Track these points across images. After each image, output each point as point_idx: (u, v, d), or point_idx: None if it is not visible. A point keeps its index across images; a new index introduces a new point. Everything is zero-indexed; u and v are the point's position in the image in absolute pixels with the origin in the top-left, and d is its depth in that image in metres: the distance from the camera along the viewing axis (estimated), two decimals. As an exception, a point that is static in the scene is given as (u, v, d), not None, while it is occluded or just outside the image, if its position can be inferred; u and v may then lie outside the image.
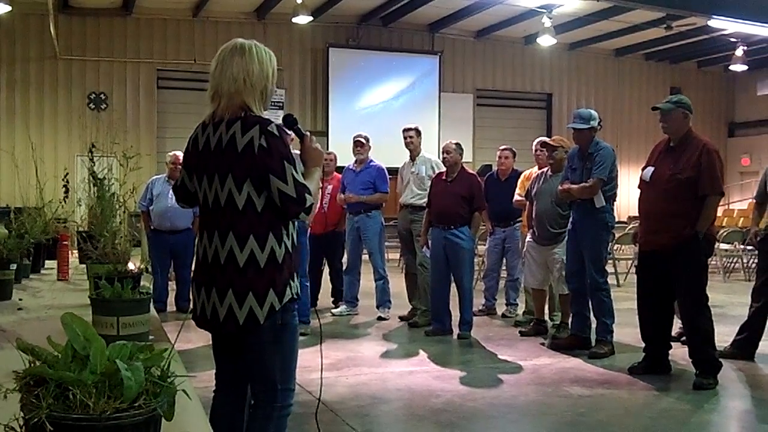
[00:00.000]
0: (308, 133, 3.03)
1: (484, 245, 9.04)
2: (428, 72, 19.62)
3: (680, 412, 5.04)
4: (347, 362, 6.22)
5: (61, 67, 16.75)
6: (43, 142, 16.03)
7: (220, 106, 2.78)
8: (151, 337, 2.90)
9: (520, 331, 7.51)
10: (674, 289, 5.73)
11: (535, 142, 8.18)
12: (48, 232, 5.39)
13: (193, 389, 1.91)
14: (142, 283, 3.14)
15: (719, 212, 14.83)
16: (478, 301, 8.35)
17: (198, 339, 5.94)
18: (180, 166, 8.56)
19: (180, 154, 8.13)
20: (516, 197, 7.99)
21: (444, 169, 7.61)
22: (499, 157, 8.62)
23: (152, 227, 8.16)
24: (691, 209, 5.52)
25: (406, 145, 8.17)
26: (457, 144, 7.48)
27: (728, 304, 9.04)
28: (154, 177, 8.52)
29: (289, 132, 3.09)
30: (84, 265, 4.32)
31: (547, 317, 7.66)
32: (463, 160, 7.61)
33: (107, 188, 3.98)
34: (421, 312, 7.87)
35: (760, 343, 6.52)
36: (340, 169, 8.84)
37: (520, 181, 8.09)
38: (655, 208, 5.67)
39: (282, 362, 2.85)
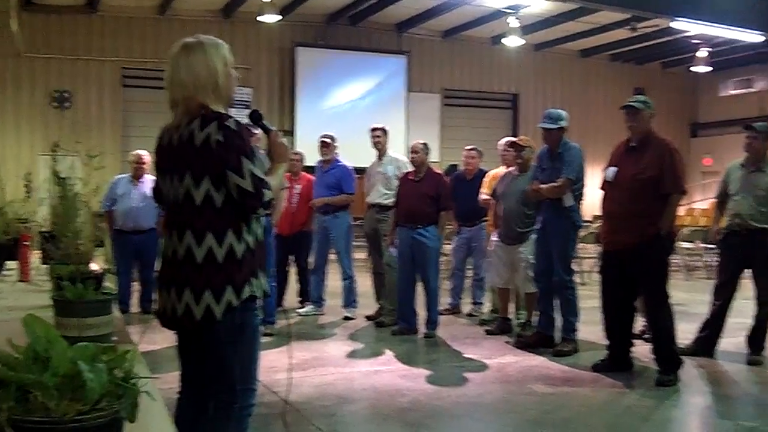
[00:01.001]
0: (274, 129, 3.03)
1: (450, 244, 9.08)
2: (396, 72, 19.64)
3: (643, 408, 5.11)
4: (313, 362, 6.22)
5: (24, 64, 16.48)
6: (5, 141, 15.80)
7: (179, 112, 2.79)
8: (114, 339, 2.88)
9: (485, 330, 7.56)
10: (637, 287, 5.82)
11: (502, 142, 8.25)
12: (9, 232, 5.31)
13: (157, 390, 1.91)
14: (105, 283, 3.11)
15: (681, 211, 15.01)
16: (444, 300, 8.39)
17: (162, 340, 5.89)
18: (143, 165, 8.47)
19: (143, 153, 8.09)
20: (482, 196, 8.04)
21: (411, 168, 7.64)
22: (466, 157, 8.65)
23: (116, 227, 8.07)
24: (654, 208, 5.60)
25: (374, 144, 8.18)
26: (425, 144, 7.52)
27: (690, 302, 9.16)
28: (118, 176, 8.42)
29: (256, 130, 3.09)
30: (46, 266, 4.27)
31: (512, 315, 7.71)
32: (430, 159, 7.65)
33: (70, 188, 3.93)
34: (387, 311, 7.89)
35: (721, 341, 6.64)
36: (307, 169, 8.82)
37: (486, 180, 8.13)
38: (618, 208, 5.75)
39: (242, 362, 2.85)
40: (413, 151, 7.47)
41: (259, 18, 16.23)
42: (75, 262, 3.23)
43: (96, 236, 3.71)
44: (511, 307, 7.72)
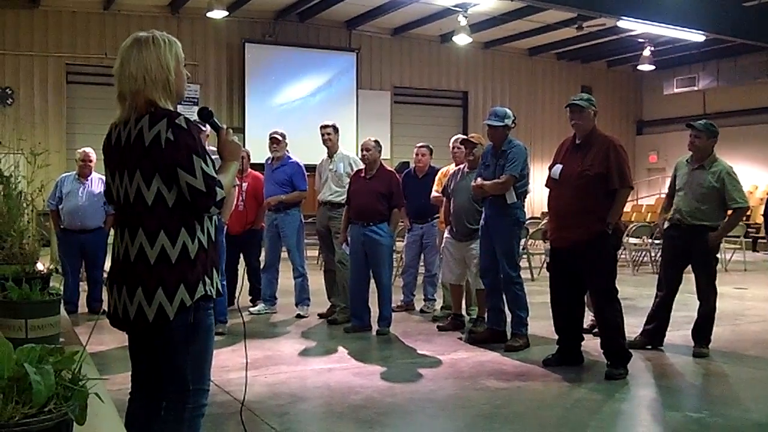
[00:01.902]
0: (224, 126, 2.99)
1: (402, 242, 9.09)
2: (346, 69, 19.62)
3: (593, 402, 5.18)
4: (266, 361, 6.17)
5: (-36, 60, 16.10)
6: (-56, 138, 15.34)
7: (126, 106, 2.73)
8: (61, 340, 2.82)
9: (438, 326, 7.59)
10: (585, 282, 5.90)
11: (452, 139, 8.29)
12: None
13: (107, 392, 1.87)
14: (51, 284, 3.04)
15: (628, 207, 15.25)
16: (397, 297, 8.40)
17: (111, 341, 5.80)
18: (90, 164, 8.30)
19: (90, 151, 7.94)
20: (433, 194, 8.07)
21: (362, 166, 7.63)
22: (417, 155, 8.68)
23: (62, 226, 7.92)
24: (601, 205, 5.68)
25: (324, 142, 8.14)
26: (376, 141, 7.50)
27: (637, 297, 9.34)
28: (64, 174, 8.26)
29: (205, 127, 3.05)
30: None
31: (464, 311, 7.76)
32: (381, 157, 7.64)
33: (14, 186, 3.84)
34: (340, 309, 7.87)
35: (667, 333, 6.77)
36: (255, 166, 8.74)
37: (437, 177, 8.17)
38: (565, 205, 5.81)
39: (194, 362, 2.81)
40: (365, 148, 7.45)
41: (207, 14, 16.05)
42: (20, 262, 3.16)
43: (41, 236, 3.63)
44: (463, 303, 7.76)
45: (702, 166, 6.52)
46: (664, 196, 7.12)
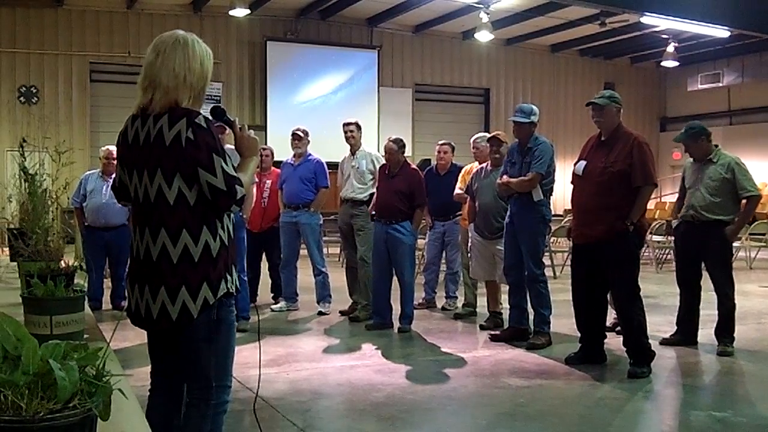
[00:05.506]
0: (236, 119, 2.99)
1: (424, 239, 9.08)
2: (367, 66, 19.61)
3: (615, 400, 5.15)
4: (287, 358, 6.19)
5: (-10, 60, 16.26)
6: (-29, 137, 15.53)
7: (154, 98, 2.70)
8: (85, 336, 2.84)
9: (480, 326, 7.52)
10: (608, 280, 5.86)
11: (473, 138, 8.27)
12: (-24, 229, 5.23)
13: (130, 388, 1.88)
14: (76, 280, 3.07)
15: (651, 205, 15.14)
16: (419, 295, 8.39)
17: (134, 337, 5.83)
18: (114, 161, 8.36)
19: (113, 149, 7.98)
20: (457, 191, 8.04)
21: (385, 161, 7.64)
22: (438, 152, 8.65)
23: (86, 224, 7.99)
24: (624, 202, 5.65)
25: (347, 139, 8.14)
26: (397, 142, 7.43)
27: (660, 295, 9.27)
28: (88, 172, 8.33)
29: (225, 127, 3.06)
30: (15, 263, 4.21)
31: (483, 307, 7.73)
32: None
33: (39, 184, 3.88)
34: (361, 306, 7.87)
35: (699, 332, 6.73)
36: (277, 164, 8.76)
37: (461, 174, 8.13)
38: (588, 202, 5.78)
39: (217, 359, 2.82)
40: (387, 151, 7.43)
41: (229, 12, 16.12)
42: (45, 259, 3.19)
43: (66, 233, 3.66)
44: (482, 300, 7.74)
45: (710, 160, 6.57)
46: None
